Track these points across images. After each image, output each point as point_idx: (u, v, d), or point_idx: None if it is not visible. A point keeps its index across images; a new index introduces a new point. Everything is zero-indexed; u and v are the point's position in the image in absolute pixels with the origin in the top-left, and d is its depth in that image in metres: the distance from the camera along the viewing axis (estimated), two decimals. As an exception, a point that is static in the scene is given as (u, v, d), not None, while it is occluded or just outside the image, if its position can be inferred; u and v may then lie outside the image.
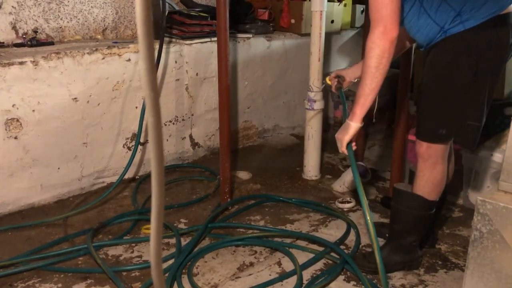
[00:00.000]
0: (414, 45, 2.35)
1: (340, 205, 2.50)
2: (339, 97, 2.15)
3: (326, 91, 2.82)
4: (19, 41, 2.56)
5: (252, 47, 3.23)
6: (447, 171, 1.93)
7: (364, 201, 1.62)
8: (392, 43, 1.60)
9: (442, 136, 1.73)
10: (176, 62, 2.84)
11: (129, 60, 2.62)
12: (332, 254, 2.04)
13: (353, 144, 1.76)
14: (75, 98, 2.46)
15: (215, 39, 2.55)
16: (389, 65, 1.65)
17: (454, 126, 1.71)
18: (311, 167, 2.87)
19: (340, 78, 2.12)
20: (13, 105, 2.25)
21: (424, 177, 1.81)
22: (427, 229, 1.97)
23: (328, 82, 2.18)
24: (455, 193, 2.56)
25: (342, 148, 1.76)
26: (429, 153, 1.77)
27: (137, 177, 2.84)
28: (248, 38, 3.20)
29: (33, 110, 2.32)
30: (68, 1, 2.75)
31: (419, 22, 1.69)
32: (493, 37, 1.60)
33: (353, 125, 1.72)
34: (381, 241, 2.12)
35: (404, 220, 1.90)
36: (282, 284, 1.86)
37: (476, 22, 1.58)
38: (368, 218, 1.61)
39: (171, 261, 1.96)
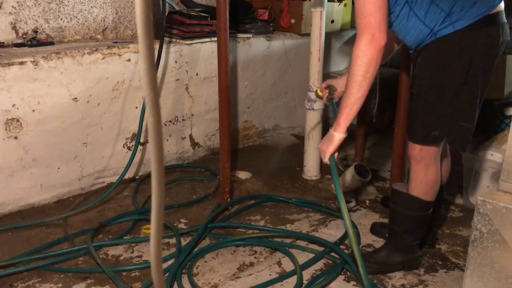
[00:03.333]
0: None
1: (340, 205, 2.50)
2: (327, 101, 2.13)
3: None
4: (19, 41, 2.56)
5: (252, 47, 3.23)
6: (442, 171, 1.93)
7: (344, 208, 1.67)
8: (380, 52, 1.58)
9: (434, 138, 1.73)
10: (176, 62, 2.84)
11: (129, 60, 2.62)
12: (332, 254, 2.04)
13: (336, 154, 1.77)
14: (75, 98, 2.46)
15: (215, 39, 2.55)
16: (375, 73, 1.63)
17: (446, 127, 1.71)
18: (311, 167, 2.87)
19: (331, 88, 2.08)
20: (13, 105, 2.25)
21: (418, 179, 1.81)
22: (426, 229, 1.97)
23: (320, 93, 2.15)
24: (455, 193, 2.56)
25: (325, 159, 1.77)
26: (422, 155, 1.77)
27: (137, 177, 2.84)
28: (248, 38, 3.20)
29: (33, 110, 2.32)
30: (68, 1, 2.75)
31: (408, 24, 1.67)
32: (483, 37, 1.59)
33: (337, 136, 1.71)
34: (381, 241, 2.13)
35: (402, 220, 1.90)
36: (282, 284, 1.86)
37: (466, 22, 1.57)
38: (348, 225, 1.67)
39: (171, 261, 1.96)
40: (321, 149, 1.79)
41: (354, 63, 1.62)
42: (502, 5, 1.63)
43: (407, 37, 1.73)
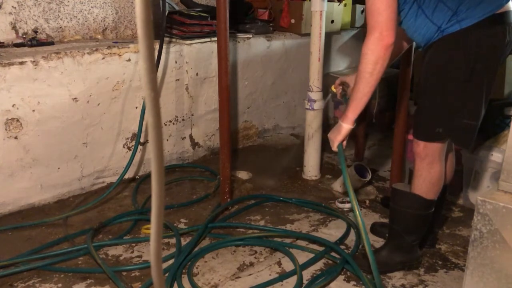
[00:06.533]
0: (414, 45, 2.35)
1: (340, 205, 2.50)
2: (341, 97, 2.17)
3: (326, 91, 2.82)
4: (19, 41, 2.56)
5: (252, 47, 3.23)
6: (447, 170, 1.93)
7: (353, 198, 1.70)
8: (387, 50, 1.62)
9: (439, 135, 1.74)
10: (176, 62, 2.84)
11: (129, 60, 2.62)
12: (332, 254, 2.04)
13: (344, 143, 1.85)
14: (75, 98, 2.46)
15: (215, 39, 2.55)
16: (383, 70, 1.67)
17: (450, 125, 1.71)
18: (311, 167, 2.87)
19: (344, 85, 2.14)
20: (13, 105, 2.25)
21: (421, 176, 1.81)
22: (426, 229, 1.97)
23: (334, 89, 2.20)
24: (455, 193, 2.56)
25: (334, 147, 1.86)
26: (426, 153, 1.77)
27: (137, 177, 2.84)
28: (248, 38, 3.20)
29: (33, 110, 2.32)
30: (68, 1, 2.75)
31: (416, 22, 1.70)
32: (489, 36, 1.60)
33: (345, 126, 1.79)
34: (382, 241, 2.13)
35: (403, 220, 1.90)
36: (282, 284, 1.86)
37: (472, 21, 1.59)
38: (358, 215, 1.70)
39: (171, 261, 1.96)
40: (330, 138, 1.87)
41: (362, 60, 1.67)
42: (509, 5, 1.63)
43: (415, 34, 1.75)
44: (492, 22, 1.59)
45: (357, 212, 1.69)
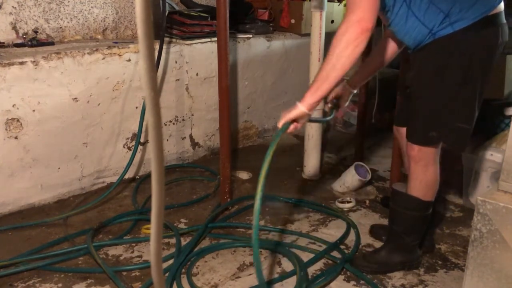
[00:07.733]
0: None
1: (340, 205, 2.50)
2: (329, 110, 2.13)
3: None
4: (20, 41, 2.56)
5: (252, 47, 3.23)
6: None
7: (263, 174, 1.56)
8: (365, 33, 1.50)
9: (433, 139, 1.73)
10: (176, 62, 2.84)
11: (129, 60, 2.62)
12: (332, 254, 2.04)
13: (293, 126, 1.65)
14: (75, 98, 2.46)
15: (215, 39, 2.55)
16: (354, 58, 1.53)
17: (444, 128, 1.70)
18: (311, 167, 2.87)
19: (338, 100, 2.10)
20: (13, 105, 2.25)
21: (417, 179, 1.81)
22: (425, 229, 1.97)
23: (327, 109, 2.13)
24: (455, 193, 2.56)
25: (279, 124, 1.67)
26: (420, 156, 1.77)
27: (137, 177, 2.84)
28: (248, 38, 3.20)
29: (33, 110, 2.32)
30: (68, 1, 2.75)
31: (407, 25, 1.66)
32: (482, 38, 1.59)
33: (299, 107, 1.62)
34: (381, 243, 2.13)
35: (402, 220, 1.90)
36: (282, 284, 1.86)
37: (465, 23, 1.57)
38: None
39: (171, 261, 1.96)
40: (282, 114, 1.68)
41: (333, 40, 1.54)
42: (501, 5, 1.63)
43: (406, 37, 1.71)
44: (486, 24, 1.58)
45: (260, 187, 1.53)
